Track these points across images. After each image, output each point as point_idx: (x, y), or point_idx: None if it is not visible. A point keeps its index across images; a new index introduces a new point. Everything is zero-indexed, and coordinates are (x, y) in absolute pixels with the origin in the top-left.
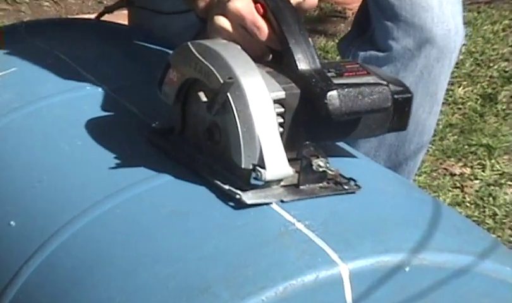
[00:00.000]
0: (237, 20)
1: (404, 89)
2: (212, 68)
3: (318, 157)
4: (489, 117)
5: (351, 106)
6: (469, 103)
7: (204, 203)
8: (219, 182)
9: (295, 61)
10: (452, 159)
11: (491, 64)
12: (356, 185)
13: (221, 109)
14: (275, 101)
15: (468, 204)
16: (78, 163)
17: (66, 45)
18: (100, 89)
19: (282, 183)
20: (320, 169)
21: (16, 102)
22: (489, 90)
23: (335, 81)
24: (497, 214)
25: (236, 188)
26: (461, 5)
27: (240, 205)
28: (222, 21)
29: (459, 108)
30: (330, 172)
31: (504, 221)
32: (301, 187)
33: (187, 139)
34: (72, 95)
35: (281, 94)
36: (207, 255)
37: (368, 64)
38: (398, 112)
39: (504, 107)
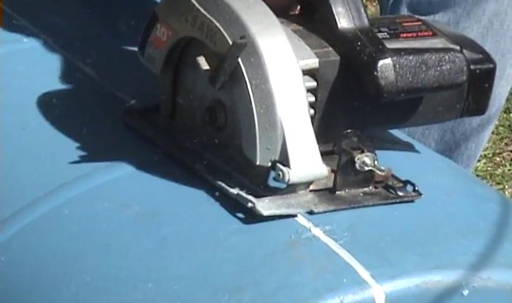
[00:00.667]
0: None
1: (484, 57)
2: (217, 23)
3: (363, 151)
4: None
5: (411, 80)
6: None
7: (195, 206)
8: (223, 184)
9: (334, 16)
10: None
11: None
12: (415, 191)
13: (229, 82)
14: (306, 72)
15: None
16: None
17: None
18: (43, 43)
19: (312, 186)
20: (366, 168)
21: None
22: None
23: (389, 45)
24: None
25: (248, 193)
26: None
27: (253, 217)
28: None
29: None
30: (379, 172)
31: None
32: (339, 192)
33: (179, 122)
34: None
35: (314, 62)
36: (188, 274)
37: (417, 12)
38: (475, 88)
39: None
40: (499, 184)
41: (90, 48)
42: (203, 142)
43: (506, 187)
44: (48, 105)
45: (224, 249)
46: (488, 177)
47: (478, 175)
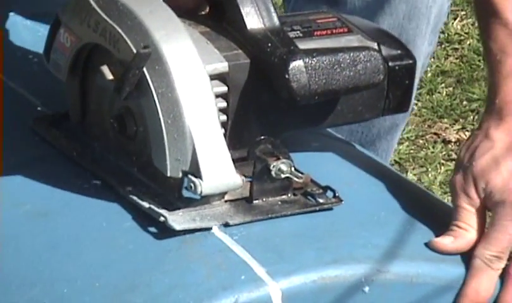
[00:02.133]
0: None
1: (403, 52)
2: (120, 30)
3: (278, 158)
4: None
5: (324, 82)
6: (468, 42)
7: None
8: (134, 197)
9: (242, 16)
10: (445, 120)
11: None
12: (335, 197)
13: (135, 91)
14: (214, 77)
15: None
16: None
17: None
18: None
19: (227, 196)
20: (283, 175)
21: None
22: None
23: (302, 46)
24: None
25: (160, 206)
26: None
27: (165, 231)
28: None
29: (455, 49)
30: (296, 179)
31: None
32: (256, 201)
33: (89, 129)
34: None
35: (223, 66)
36: (77, 276)
37: None
38: (396, 86)
39: None
40: (422, 166)
41: None
42: (114, 150)
43: (429, 169)
44: None
45: (115, 249)
46: (411, 159)
47: (400, 158)
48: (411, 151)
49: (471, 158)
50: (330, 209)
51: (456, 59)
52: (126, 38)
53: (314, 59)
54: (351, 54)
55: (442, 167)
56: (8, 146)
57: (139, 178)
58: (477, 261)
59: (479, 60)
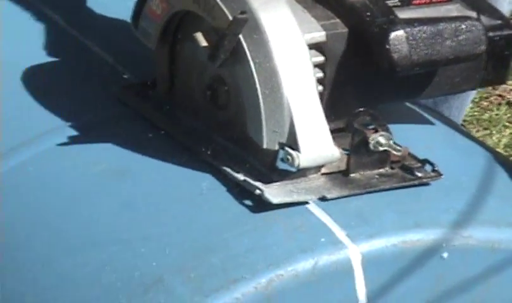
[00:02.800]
0: None
1: (503, 22)
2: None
3: (377, 130)
4: None
5: (425, 53)
6: None
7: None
8: (228, 169)
9: None
10: (510, 81)
11: None
12: (434, 171)
13: (230, 59)
14: (312, 47)
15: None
16: None
17: None
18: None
19: (323, 169)
20: (381, 148)
21: None
22: None
23: (401, 14)
24: None
25: (256, 178)
26: None
27: (261, 204)
28: None
29: None
30: (395, 152)
31: None
32: (352, 175)
33: (177, 99)
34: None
35: (321, 35)
36: (154, 235)
37: None
38: (495, 57)
39: None
40: (486, 129)
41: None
42: (204, 120)
43: (493, 132)
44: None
45: (192, 208)
46: (474, 122)
47: (464, 121)
48: (475, 113)
49: None
50: (428, 184)
51: None
52: (222, 5)
53: (415, 28)
54: (453, 24)
55: (507, 130)
56: (88, 107)
57: (230, 148)
58: None
59: None
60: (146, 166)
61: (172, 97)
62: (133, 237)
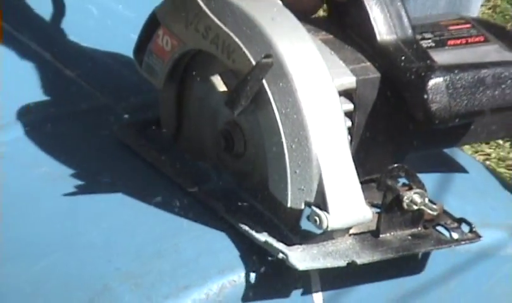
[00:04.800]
0: None
1: None
2: (237, 39)
3: (411, 188)
4: None
5: (466, 103)
6: None
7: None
8: (246, 227)
9: (371, 24)
10: None
11: None
12: (472, 231)
13: (250, 105)
14: (341, 93)
15: (501, 143)
16: None
17: None
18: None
19: (352, 229)
20: (415, 207)
21: None
22: None
23: (437, 57)
24: None
25: (276, 239)
26: None
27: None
28: None
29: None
30: (430, 212)
31: None
32: (383, 235)
33: (184, 142)
34: None
35: (350, 81)
36: (101, 241)
37: None
38: None
39: None
40: None
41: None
42: (216, 167)
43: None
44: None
45: (142, 214)
46: None
47: None
48: None
49: None
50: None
51: (489, 9)
52: (245, 49)
53: (455, 76)
54: (495, 71)
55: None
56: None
57: (245, 200)
58: None
59: None
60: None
61: (178, 139)
62: (76, 243)
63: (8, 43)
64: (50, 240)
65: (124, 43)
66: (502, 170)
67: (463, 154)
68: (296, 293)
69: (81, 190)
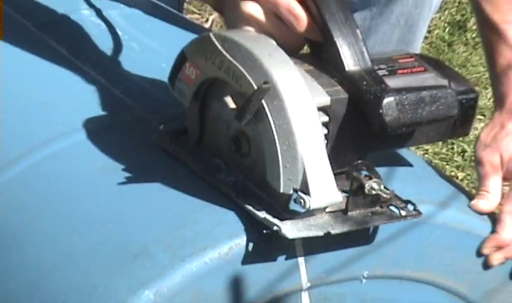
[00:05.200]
0: (270, 7)
1: (468, 87)
2: (243, 69)
3: (371, 178)
4: (458, 46)
5: (410, 116)
6: (436, 32)
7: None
8: (250, 207)
9: (341, 58)
10: None
11: None
12: (415, 210)
13: (253, 119)
14: (319, 109)
15: None
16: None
17: None
18: (21, 25)
19: (327, 209)
20: (373, 192)
21: None
22: (458, 17)
23: (390, 83)
24: (466, 151)
25: (273, 216)
26: None
27: (279, 238)
28: (252, 8)
29: (425, 37)
30: (384, 195)
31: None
32: (350, 213)
33: (205, 146)
34: None
35: (326, 100)
36: (141, 216)
37: None
38: (462, 116)
39: (473, 35)
40: None
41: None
42: (229, 164)
43: None
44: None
45: (172, 197)
46: None
47: None
48: None
49: (494, 140)
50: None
51: (427, 44)
52: (248, 76)
53: (403, 96)
54: (432, 92)
55: None
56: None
57: (250, 188)
58: (505, 216)
59: (444, 46)
60: (155, 175)
61: (200, 144)
62: (123, 218)
63: (69, 68)
64: (104, 216)
65: (157, 70)
66: (436, 161)
67: (407, 151)
68: (284, 256)
69: (128, 180)
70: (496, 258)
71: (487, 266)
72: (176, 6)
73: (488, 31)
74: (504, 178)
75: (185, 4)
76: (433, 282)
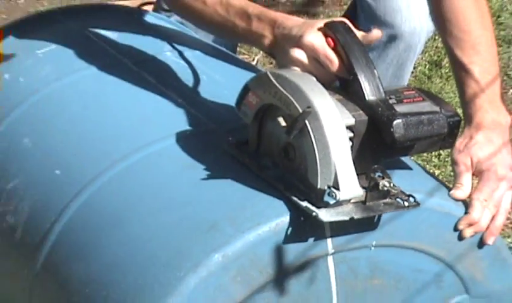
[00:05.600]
0: (312, 53)
1: (454, 113)
2: (292, 98)
3: (383, 178)
4: (435, 79)
5: (413, 133)
6: (419, 68)
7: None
8: (295, 198)
9: (363, 91)
10: None
11: (437, 37)
12: (415, 201)
13: (299, 134)
14: (347, 127)
15: None
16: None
17: (93, 26)
18: (123, 62)
19: (351, 200)
20: (385, 188)
21: (54, 74)
22: (435, 57)
23: (398, 109)
24: (441, 154)
25: (311, 204)
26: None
27: (316, 220)
28: (298, 54)
29: (412, 72)
30: (393, 191)
31: (447, 159)
32: (368, 203)
33: (262, 154)
34: (100, 69)
35: (351, 121)
36: (213, 201)
37: None
38: (450, 134)
39: (447, 71)
40: None
41: (153, 65)
42: (279, 166)
43: None
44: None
45: (237, 189)
46: None
47: None
48: None
49: (465, 147)
50: (413, 208)
51: (412, 77)
52: (295, 103)
53: (408, 119)
54: (428, 116)
55: None
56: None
57: (294, 183)
58: (474, 201)
59: (425, 79)
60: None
61: (258, 151)
62: (199, 201)
63: (157, 93)
64: (185, 200)
65: (221, 95)
66: (419, 161)
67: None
68: (316, 231)
69: (203, 175)
70: (468, 232)
71: (460, 237)
72: (231, 48)
73: (459, 69)
74: (473, 174)
75: (238, 47)
76: (422, 249)
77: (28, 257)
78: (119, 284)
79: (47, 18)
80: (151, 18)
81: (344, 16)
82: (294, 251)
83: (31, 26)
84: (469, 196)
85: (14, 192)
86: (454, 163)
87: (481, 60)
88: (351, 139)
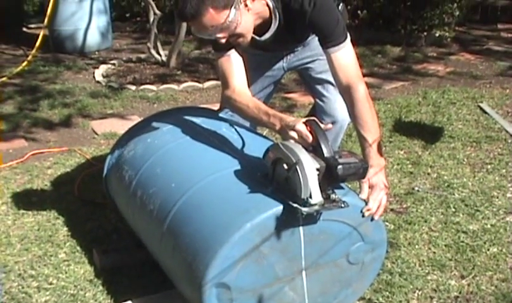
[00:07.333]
0: (299, 133)
1: (365, 162)
2: (290, 155)
3: (333, 192)
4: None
5: (347, 173)
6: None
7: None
8: (291, 202)
9: (323, 152)
10: None
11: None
12: (346, 203)
13: (293, 172)
14: (316, 169)
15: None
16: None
17: (190, 115)
18: (203, 134)
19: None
20: (333, 198)
21: (172, 138)
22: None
23: (340, 161)
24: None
25: (298, 205)
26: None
27: (303, 215)
28: (293, 134)
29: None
30: (337, 199)
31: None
32: (325, 205)
33: (274, 181)
34: (191, 137)
35: (318, 166)
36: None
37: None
38: (363, 173)
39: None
40: None
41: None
42: (282, 188)
43: None
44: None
45: (252, 195)
46: None
47: None
48: None
49: (374, 176)
50: (345, 207)
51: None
52: (292, 157)
53: (346, 165)
54: (354, 164)
55: None
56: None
57: (287, 194)
58: (370, 199)
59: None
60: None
61: (272, 180)
62: (240, 199)
63: (217, 147)
64: (233, 198)
65: (249, 150)
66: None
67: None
68: (296, 220)
69: (246, 189)
70: (366, 214)
71: (362, 216)
72: (254, 127)
73: (361, 138)
74: (370, 186)
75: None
76: (343, 221)
77: (160, 225)
78: (203, 232)
79: (170, 112)
80: (218, 112)
81: (310, 113)
82: (284, 226)
83: (167, 116)
84: (367, 197)
85: (153, 195)
86: (364, 182)
87: (372, 134)
88: (318, 174)
